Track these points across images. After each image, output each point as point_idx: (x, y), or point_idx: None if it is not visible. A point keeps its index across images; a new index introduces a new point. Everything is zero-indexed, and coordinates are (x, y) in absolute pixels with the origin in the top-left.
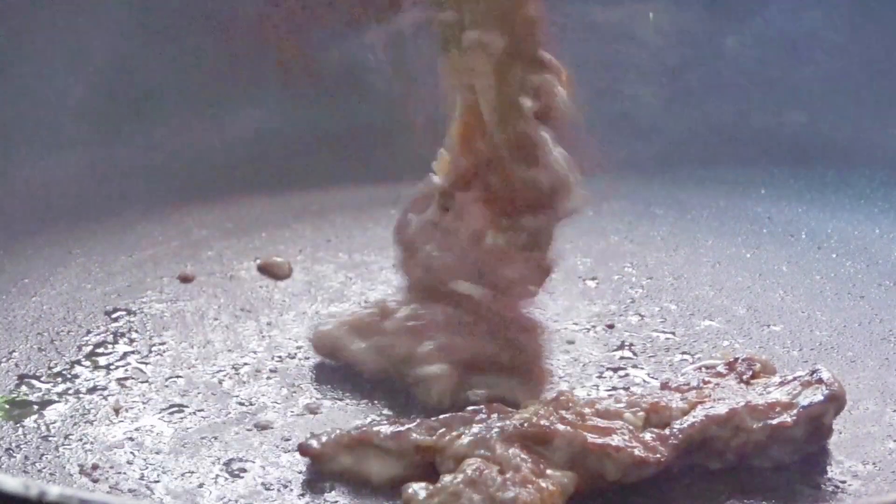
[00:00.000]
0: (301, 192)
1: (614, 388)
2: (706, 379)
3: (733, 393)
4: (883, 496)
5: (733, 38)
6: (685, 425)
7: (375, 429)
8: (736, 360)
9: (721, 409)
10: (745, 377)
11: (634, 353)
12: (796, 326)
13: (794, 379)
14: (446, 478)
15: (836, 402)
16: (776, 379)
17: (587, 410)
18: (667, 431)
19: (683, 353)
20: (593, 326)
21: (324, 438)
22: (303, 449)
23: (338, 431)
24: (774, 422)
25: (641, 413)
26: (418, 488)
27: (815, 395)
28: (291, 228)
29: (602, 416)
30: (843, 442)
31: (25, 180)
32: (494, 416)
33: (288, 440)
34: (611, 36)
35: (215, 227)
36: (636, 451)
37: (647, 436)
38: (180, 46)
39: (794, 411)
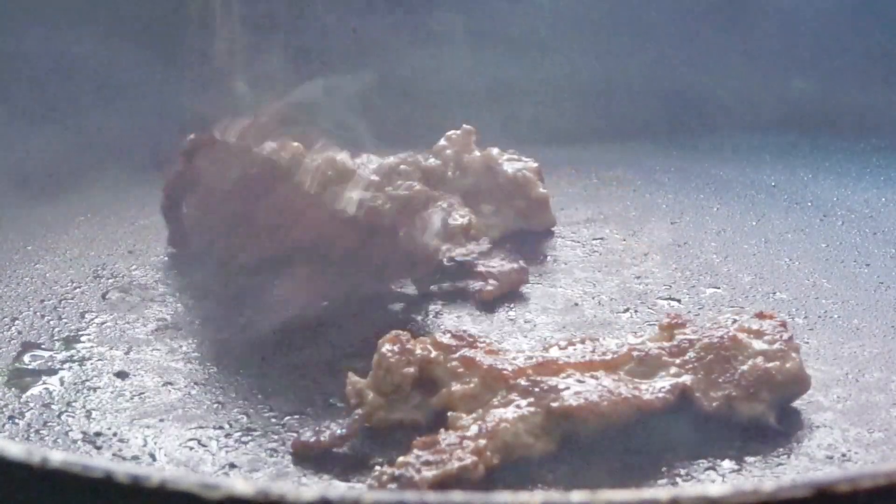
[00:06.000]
0: None
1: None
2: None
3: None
4: (889, 464)
5: (735, 7)
6: None
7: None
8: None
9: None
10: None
11: (638, 319)
12: (801, 294)
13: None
14: None
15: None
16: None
17: None
18: None
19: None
20: (599, 292)
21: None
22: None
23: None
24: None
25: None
26: None
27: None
28: None
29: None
30: (849, 410)
31: (28, 148)
32: None
33: (291, 410)
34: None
35: None
36: None
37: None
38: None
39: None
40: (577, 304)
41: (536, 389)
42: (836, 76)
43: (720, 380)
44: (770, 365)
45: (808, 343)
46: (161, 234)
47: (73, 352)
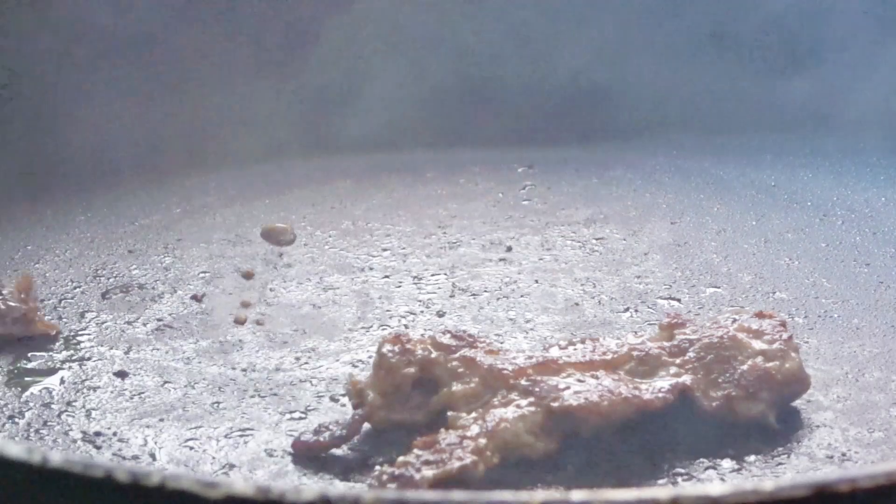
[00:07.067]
0: (303, 159)
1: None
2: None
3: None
4: (889, 464)
5: (732, 5)
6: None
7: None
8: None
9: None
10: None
11: (638, 319)
12: (801, 293)
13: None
14: None
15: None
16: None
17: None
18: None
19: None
20: (599, 292)
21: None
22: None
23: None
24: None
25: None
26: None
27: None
28: (294, 195)
29: None
30: (849, 410)
31: (27, 149)
32: None
33: (291, 410)
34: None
35: (218, 195)
36: None
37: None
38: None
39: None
40: (577, 304)
41: (536, 389)
42: (834, 76)
43: (720, 380)
44: (770, 365)
45: (808, 343)
46: (161, 233)
47: (72, 351)
